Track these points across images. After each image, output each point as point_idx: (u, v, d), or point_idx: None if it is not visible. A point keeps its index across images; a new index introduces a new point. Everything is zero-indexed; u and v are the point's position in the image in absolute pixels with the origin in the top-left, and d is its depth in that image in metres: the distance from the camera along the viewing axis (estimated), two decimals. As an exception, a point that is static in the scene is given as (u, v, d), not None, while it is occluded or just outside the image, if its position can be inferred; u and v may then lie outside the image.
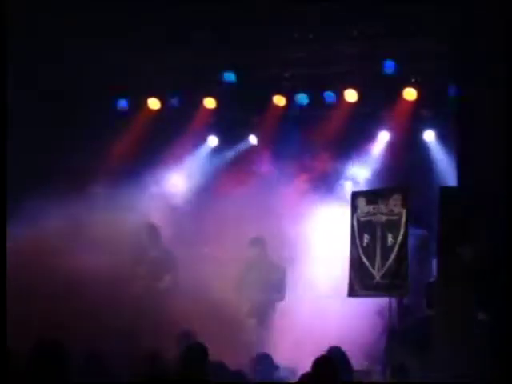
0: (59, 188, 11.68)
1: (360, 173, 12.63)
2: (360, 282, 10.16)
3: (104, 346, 8.49)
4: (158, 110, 13.30)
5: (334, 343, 8.49)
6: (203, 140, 13.55)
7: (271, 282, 11.56)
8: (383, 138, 12.87)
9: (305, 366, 7.45)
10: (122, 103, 13.29)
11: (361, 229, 10.26)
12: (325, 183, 12.55)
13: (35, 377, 6.21)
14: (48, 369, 6.20)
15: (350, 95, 12.34)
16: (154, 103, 13.24)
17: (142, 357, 8.21)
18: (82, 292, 11.04)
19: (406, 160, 12.64)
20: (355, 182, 12.47)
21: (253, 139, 13.32)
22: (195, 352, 7.71)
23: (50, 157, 12.57)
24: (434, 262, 9.84)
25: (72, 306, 11.04)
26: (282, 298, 11.67)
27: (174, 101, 13.28)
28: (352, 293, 10.33)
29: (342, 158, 12.64)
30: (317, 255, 11.84)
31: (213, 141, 13.55)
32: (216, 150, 13.52)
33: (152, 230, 12.02)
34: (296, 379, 8.36)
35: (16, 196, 11.45)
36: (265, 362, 8.96)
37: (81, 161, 12.55)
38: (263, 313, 11.59)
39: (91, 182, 12.56)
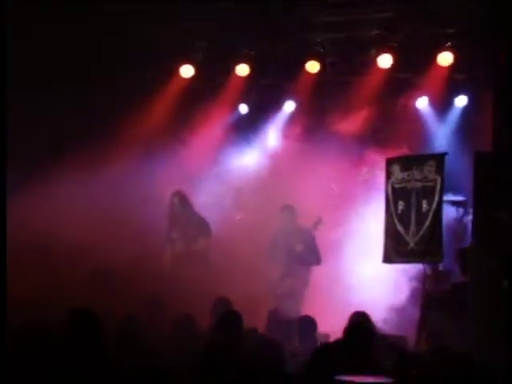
0: (97, 153, 11.79)
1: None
2: (395, 249, 10.13)
3: (138, 312, 8.58)
4: (190, 78, 13.26)
5: (367, 309, 8.49)
6: (235, 108, 13.50)
7: (303, 246, 11.57)
8: (419, 103, 12.76)
9: (337, 332, 7.47)
10: (155, 71, 13.26)
11: (395, 196, 10.21)
12: (358, 149, 12.49)
13: (71, 347, 6.28)
14: (83, 338, 6.27)
15: (385, 60, 12.21)
16: (186, 71, 13.20)
17: (175, 323, 8.28)
18: (117, 259, 11.14)
19: (441, 126, 12.54)
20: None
21: (287, 106, 13.24)
22: (230, 319, 7.76)
23: (88, 122, 12.60)
24: (470, 228, 9.80)
25: (107, 274, 11.16)
26: (317, 262, 11.68)
27: (207, 68, 13.22)
28: (387, 259, 10.31)
29: (375, 123, 12.56)
30: (350, 222, 11.82)
31: (246, 109, 13.50)
32: (250, 118, 13.46)
33: (182, 197, 12.10)
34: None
35: (53, 162, 11.57)
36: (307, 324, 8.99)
37: (115, 129, 12.58)
38: (296, 278, 11.61)
39: (125, 150, 12.62)
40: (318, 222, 11.53)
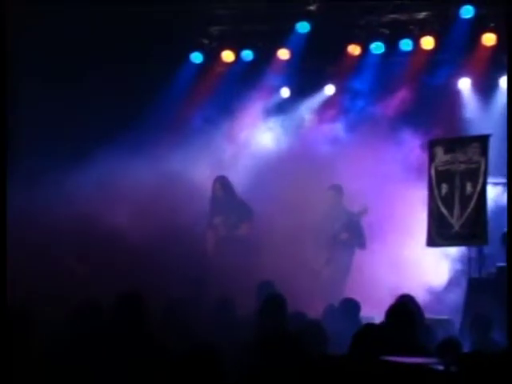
0: (139, 136, 11.85)
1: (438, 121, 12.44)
2: (439, 232, 10.06)
3: (182, 294, 8.62)
4: (231, 63, 13.27)
5: (411, 292, 8.45)
6: (277, 92, 13.47)
7: (348, 235, 11.53)
8: (461, 85, 12.64)
9: (382, 315, 7.44)
10: (197, 56, 13.29)
11: (439, 178, 10.13)
12: (398, 131, 12.41)
13: (118, 328, 6.35)
14: (129, 320, 6.34)
15: (427, 42, 12.11)
16: (228, 56, 13.21)
17: (217, 305, 8.33)
18: (161, 243, 11.21)
19: (485, 107, 12.40)
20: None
21: (328, 89, 13.20)
22: (274, 302, 7.77)
23: (127, 106, 12.66)
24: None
25: (151, 259, 11.24)
26: (362, 246, 11.66)
27: (248, 53, 13.22)
28: (430, 243, 10.24)
29: (418, 105, 12.46)
30: (396, 204, 11.76)
31: (287, 92, 13.47)
32: (289, 102, 13.43)
33: (225, 182, 12.10)
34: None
35: (92, 145, 11.64)
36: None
37: (155, 113, 12.62)
38: (340, 263, 11.59)
39: (165, 135, 12.68)
40: (363, 211, 11.45)
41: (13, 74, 12.01)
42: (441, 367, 4.35)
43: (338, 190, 11.68)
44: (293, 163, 12.48)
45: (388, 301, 7.78)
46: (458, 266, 10.64)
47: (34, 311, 6.58)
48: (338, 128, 12.68)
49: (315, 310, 9.13)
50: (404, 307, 7.17)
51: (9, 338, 5.80)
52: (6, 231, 7.32)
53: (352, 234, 11.51)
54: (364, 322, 8.98)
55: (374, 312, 9.17)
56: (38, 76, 12.28)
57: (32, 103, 12.28)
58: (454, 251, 10.77)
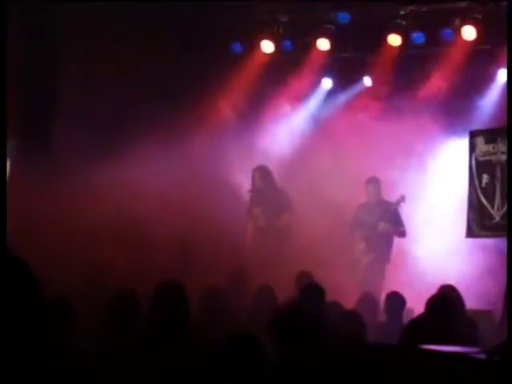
0: (176, 129, 11.86)
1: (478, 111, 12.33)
2: (479, 223, 9.98)
3: (222, 285, 8.63)
4: (271, 54, 13.22)
5: (451, 283, 8.37)
6: (318, 83, 13.40)
7: (386, 219, 11.47)
8: (502, 76, 12.48)
9: (421, 306, 7.39)
10: (236, 46, 13.26)
11: (479, 169, 10.04)
12: (442, 123, 12.29)
13: (159, 318, 6.37)
14: (170, 309, 6.34)
15: (468, 32, 11.98)
16: (267, 46, 13.16)
17: (256, 294, 8.32)
18: (202, 235, 11.24)
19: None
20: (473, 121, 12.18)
21: (367, 80, 13.10)
22: (313, 291, 7.75)
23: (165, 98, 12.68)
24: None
25: (191, 248, 11.27)
26: (402, 234, 11.58)
27: (288, 43, 13.16)
28: (470, 233, 10.16)
29: (460, 96, 12.33)
30: (433, 195, 11.67)
31: (327, 83, 13.39)
32: (330, 93, 13.35)
33: (264, 172, 12.07)
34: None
35: (128, 136, 11.68)
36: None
37: (193, 105, 12.62)
38: (378, 253, 11.54)
39: (201, 127, 12.69)
40: (400, 200, 11.43)
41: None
42: (483, 356, 4.30)
43: (376, 182, 11.64)
44: (328, 154, 12.44)
45: (427, 291, 7.72)
46: (500, 258, 10.51)
47: (73, 299, 6.61)
48: (373, 119, 12.59)
49: (353, 300, 9.11)
50: (445, 298, 7.10)
51: (47, 326, 5.82)
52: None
53: (391, 223, 11.46)
54: (406, 313, 8.99)
55: (412, 302, 9.12)
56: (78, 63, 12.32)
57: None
58: (493, 242, 10.66)
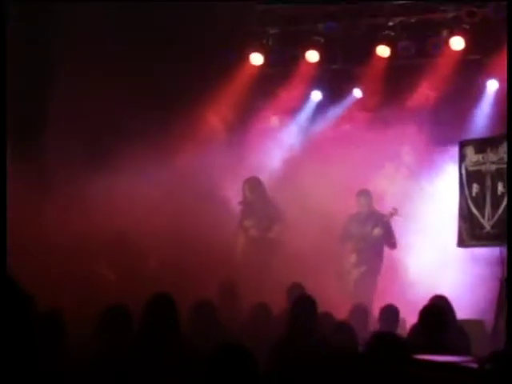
0: (165, 141, 11.86)
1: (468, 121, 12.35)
2: (470, 232, 9.98)
3: (211, 297, 8.60)
4: (260, 66, 13.23)
5: (442, 293, 8.37)
6: (307, 95, 13.40)
7: (382, 231, 11.46)
8: (491, 86, 12.52)
9: (414, 316, 7.38)
10: (226, 58, 13.25)
11: (469, 178, 10.05)
12: (431, 133, 12.30)
13: (149, 331, 6.35)
14: (161, 321, 6.33)
15: (457, 43, 12.02)
16: (256, 58, 13.17)
17: (249, 308, 8.30)
18: (192, 248, 11.21)
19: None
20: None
21: (357, 92, 13.10)
22: (304, 304, 7.73)
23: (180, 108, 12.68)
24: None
25: (180, 262, 11.24)
26: (393, 246, 11.58)
27: (277, 56, 13.17)
28: (461, 243, 10.16)
29: (449, 107, 12.36)
30: (423, 205, 11.68)
31: (317, 95, 13.39)
32: (320, 105, 13.35)
33: (255, 183, 12.03)
34: (406, 331, 8.33)
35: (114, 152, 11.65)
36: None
37: (183, 117, 12.60)
38: (370, 263, 11.51)
39: (192, 140, 12.68)
40: (393, 213, 11.41)
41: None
42: (475, 365, 4.29)
43: (367, 195, 11.65)
44: (317, 166, 12.44)
45: (419, 301, 7.72)
46: (488, 267, 10.52)
47: (64, 313, 6.58)
48: (361, 130, 12.61)
49: (345, 311, 9.10)
50: (438, 308, 7.10)
51: (38, 339, 5.80)
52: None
53: (385, 232, 11.45)
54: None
55: (404, 312, 9.11)
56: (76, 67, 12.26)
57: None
58: (483, 252, 10.67)
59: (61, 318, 6.44)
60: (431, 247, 11.50)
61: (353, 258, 11.63)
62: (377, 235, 11.45)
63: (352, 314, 8.97)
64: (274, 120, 13.45)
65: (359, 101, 13.07)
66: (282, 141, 13.30)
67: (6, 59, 8.60)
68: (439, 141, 12.08)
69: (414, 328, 7.35)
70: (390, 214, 11.42)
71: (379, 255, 11.59)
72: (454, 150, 11.10)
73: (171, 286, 8.35)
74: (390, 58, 12.47)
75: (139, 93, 12.00)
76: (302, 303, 7.71)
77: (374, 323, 8.97)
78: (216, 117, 13.23)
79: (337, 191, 11.97)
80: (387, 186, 11.77)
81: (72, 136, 12.11)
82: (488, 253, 10.40)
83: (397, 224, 11.55)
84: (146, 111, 11.93)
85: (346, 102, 13.15)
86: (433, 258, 11.30)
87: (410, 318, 8.09)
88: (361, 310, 9.14)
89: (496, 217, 9.66)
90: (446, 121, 12.08)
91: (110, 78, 11.72)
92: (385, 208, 11.70)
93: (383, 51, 12.42)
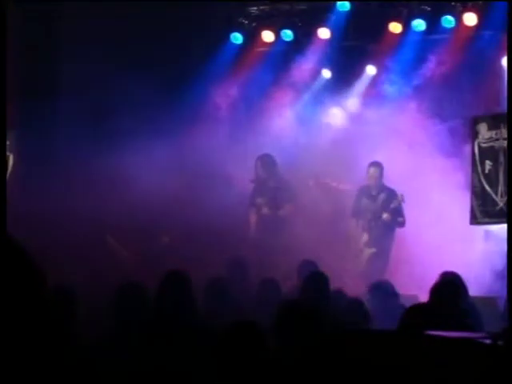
0: (173, 120, 11.84)
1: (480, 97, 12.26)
2: (482, 210, 9.94)
3: (223, 274, 8.62)
4: (271, 43, 13.18)
5: (454, 270, 8.34)
6: (318, 72, 13.34)
7: (388, 207, 11.42)
8: (504, 62, 12.42)
9: (425, 293, 7.36)
10: (237, 37, 13.21)
11: (482, 155, 10.00)
12: (442, 109, 12.24)
13: (164, 306, 6.37)
14: (175, 298, 6.34)
15: (469, 18, 11.93)
16: (267, 36, 13.13)
17: (260, 283, 8.32)
18: (206, 224, 11.23)
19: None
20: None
21: (369, 69, 13.02)
22: (317, 280, 7.73)
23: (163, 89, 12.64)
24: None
25: (192, 239, 11.26)
26: (401, 224, 11.54)
27: (288, 33, 13.11)
28: (474, 221, 10.13)
29: (461, 83, 12.28)
30: (433, 183, 11.62)
31: (327, 73, 13.32)
32: (330, 82, 13.28)
33: (268, 160, 12.01)
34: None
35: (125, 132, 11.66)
36: (381, 289, 8.92)
37: (193, 94, 12.57)
38: (381, 242, 11.49)
39: (204, 117, 12.67)
40: (400, 200, 11.33)
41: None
42: (488, 341, 4.28)
43: (377, 166, 11.57)
44: (329, 144, 12.40)
45: (431, 279, 7.69)
46: (500, 244, 10.48)
47: (76, 291, 6.60)
48: (376, 108, 12.54)
49: (357, 290, 9.10)
50: (448, 284, 7.07)
51: (49, 315, 5.81)
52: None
53: (393, 213, 11.40)
54: (407, 300, 8.96)
55: (416, 290, 9.10)
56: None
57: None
58: (496, 229, 10.63)
59: (73, 294, 6.46)
60: (441, 225, 11.47)
61: (364, 237, 11.61)
62: (388, 216, 11.37)
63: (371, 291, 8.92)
64: (285, 98, 13.34)
65: (373, 78, 12.95)
66: (293, 119, 13.23)
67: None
68: (451, 116, 12.00)
69: (423, 304, 7.32)
70: (399, 198, 11.34)
71: (391, 233, 11.55)
72: (466, 126, 11.05)
73: (184, 262, 8.38)
74: (402, 34, 12.39)
75: (147, 72, 11.99)
76: (315, 279, 7.71)
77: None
78: (225, 96, 13.17)
79: (347, 168, 11.96)
80: (395, 163, 11.69)
81: (77, 113, 12.12)
82: (501, 230, 10.36)
83: (409, 202, 11.48)
84: (153, 90, 11.89)
85: (359, 80, 13.04)
86: (443, 235, 11.28)
87: (422, 296, 8.06)
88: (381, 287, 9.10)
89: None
90: (457, 97, 11.98)
91: (118, 58, 11.75)
92: (399, 182, 11.61)
93: (395, 28, 12.34)
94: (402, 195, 11.31)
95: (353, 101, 13.06)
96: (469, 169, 10.80)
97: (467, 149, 10.94)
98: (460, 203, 10.88)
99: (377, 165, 11.58)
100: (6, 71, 8.65)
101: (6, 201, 6.85)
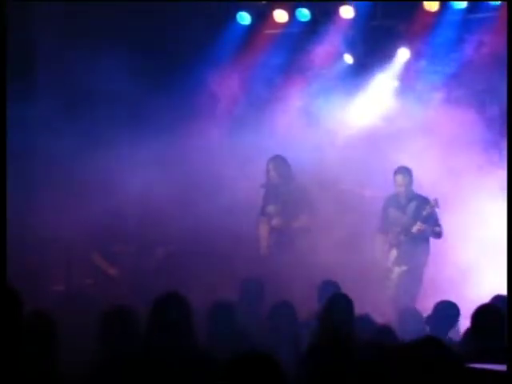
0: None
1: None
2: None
3: (231, 297, 8.69)
4: (285, 24, 13.27)
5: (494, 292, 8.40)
6: (339, 57, 13.41)
7: (420, 217, 11.40)
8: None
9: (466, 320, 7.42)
10: (245, 16, 13.30)
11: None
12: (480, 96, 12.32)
13: (156, 330, 6.43)
14: (170, 325, 6.40)
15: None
16: (280, 15, 13.21)
17: (272, 308, 8.37)
18: (206, 238, 11.30)
19: None
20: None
21: (401, 53, 13.08)
22: (340, 303, 7.78)
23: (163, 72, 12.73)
24: None
25: (194, 256, 11.33)
26: (438, 235, 11.55)
27: (304, 12, 13.19)
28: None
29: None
30: (474, 186, 11.69)
31: (349, 57, 13.37)
32: (354, 68, 13.34)
33: (281, 163, 11.97)
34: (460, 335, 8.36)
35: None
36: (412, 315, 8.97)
37: (199, 80, 12.66)
38: (414, 257, 11.47)
39: (200, 111, 12.75)
40: (433, 205, 11.34)
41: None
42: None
43: (405, 172, 11.59)
44: (355, 141, 12.44)
45: (472, 301, 7.73)
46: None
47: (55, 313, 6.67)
48: (410, 99, 12.59)
49: (384, 315, 9.14)
50: (493, 309, 7.10)
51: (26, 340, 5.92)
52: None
53: (425, 224, 11.38)
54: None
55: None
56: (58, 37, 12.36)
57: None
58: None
59: (50, 318, 6.53)
60: (481, 234, 11.51)
61: (393, 253, 11.60)
62: (418, 227, 11.36)
63: (400, 316, 8.98)
64: (299, 87, 13.37)
65: (406, 63, 12.98)
66: (310, 111, 13.25)
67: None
68: (493, 107, 12.09)
69: (468, 332, 7.38)
70: (433, 203, 11.34)
71: (425, 248, 11.53)
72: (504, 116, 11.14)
73: (181, 282, 8.44)
74: (439, 13, 12.46)
75: (142, 58, 12.10)
76: (337, 303, 7.76)
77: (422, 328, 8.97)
78: (227, 86, 13.24)
79: (375, 172, 11.98)
80: (425, 164, 11.74)
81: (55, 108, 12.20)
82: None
83: (443, 210, 11.50)
84: (133, 75, 11.99)
85: (390, 66, 13.08)
86: (483, 247, 11.33)
87: (465, 320, 8.10)
88: (410, 312, 9.17)
89: None
90: (496, 84, 12.00)
91: (111, 43, 11.85)
92: (431, 190, 11.65)
93: (431, 5, 12.42)
94: (436, 200, 11.30)
95: (378, 92, 13.10)
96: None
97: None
98: (502, 206, 10.95)
99: (404, 171, 11.54)
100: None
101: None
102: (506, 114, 9.64)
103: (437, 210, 11.36)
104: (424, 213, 11.34)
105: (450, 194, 11.62)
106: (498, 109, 12.04)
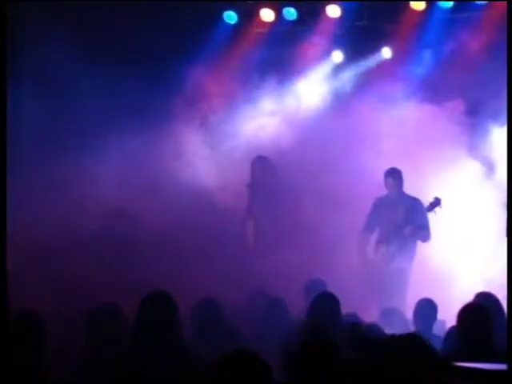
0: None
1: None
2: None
3: (221, 296, 8.68)
4: (271, 23, 13.28)
5: (486, 290, 8.44)
6: (326, 56, 13.43)
7: (411, 219, 11.44)
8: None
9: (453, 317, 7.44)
10: (231, 15, 13.31)
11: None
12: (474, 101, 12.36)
13: (144, 330, 6.44)
14: (157, 323, 6.42)
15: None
16: (267, 14, 13.23)
17: (260, 307, 8.38)
18: (192, 238, 11.29)
19: None
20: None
21: (386, 52, 13.12)
22: (327, 301, 7.81)
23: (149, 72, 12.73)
24: None
25: (179, 255, 11.32)
26: (426, 238, 11.58)
27: (291, 11, 13.21)
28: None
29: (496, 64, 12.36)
30: (462, 189, 11.72)
31: (337, 56, 13.41)
32: (341, 67, 13.37)
33: (266, 163, 12.00)
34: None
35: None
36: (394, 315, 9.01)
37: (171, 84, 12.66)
38: (402, 257, 11.51)
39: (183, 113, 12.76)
40: (435, 203, 11.36)
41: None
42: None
43: (396, 174, 11.61)
44: (344, 139, 12.45)
45: (459, 301, 7.76)
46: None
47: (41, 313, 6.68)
48: (396, 98, 12.62)
49: (371, 314, 9.17)
50: (476, 307, 7.14)
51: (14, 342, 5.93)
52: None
53: (416, 226, 11.41)
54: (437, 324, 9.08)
55: (443, 314, 9.18)
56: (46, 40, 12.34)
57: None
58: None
59: (37, 318, 6.54)
60: (475, 238, 11.53)
61: (382, 250, 11.62)
62: (412, 229, 11.38)
63: (384, 316, 9.02)
64: (291, 85, 13.37)
65: (390, 62, 13.01)
66: (299, 111, 13.26)
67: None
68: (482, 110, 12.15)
69: (452, 331, 7.41)
70: (430, 205, 11.36)
71: (412, 248, 11.55)
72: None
73: (167, 282, 8.44)
74: (425, 12, 12.50)
75: (128, 56, 12.10)
76: (323, 302, 7.78)
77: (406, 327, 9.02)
78: (216, 86, 13.25)
79: (362, 171, 12.00)
80: (418, 168, 11.77)
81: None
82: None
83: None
84: (134, 80, 12.00)
85: (373, 64, 13.10)
86: (475, 251, 11.35)
87: (450, 319, 8.13)
88: (394, 312, 9.21)
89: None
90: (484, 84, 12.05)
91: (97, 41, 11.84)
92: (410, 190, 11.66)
93: (418, 5, 12.46)
94: (438, 199, 11.33)
95: (366, 89, 13.11)
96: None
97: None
98: (493, 211, 11.00)
99: (395, 173, 11.58)
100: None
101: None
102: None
103: (437, 209, 11.37)
104: (414, 216, 11.38)
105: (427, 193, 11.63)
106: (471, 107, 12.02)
